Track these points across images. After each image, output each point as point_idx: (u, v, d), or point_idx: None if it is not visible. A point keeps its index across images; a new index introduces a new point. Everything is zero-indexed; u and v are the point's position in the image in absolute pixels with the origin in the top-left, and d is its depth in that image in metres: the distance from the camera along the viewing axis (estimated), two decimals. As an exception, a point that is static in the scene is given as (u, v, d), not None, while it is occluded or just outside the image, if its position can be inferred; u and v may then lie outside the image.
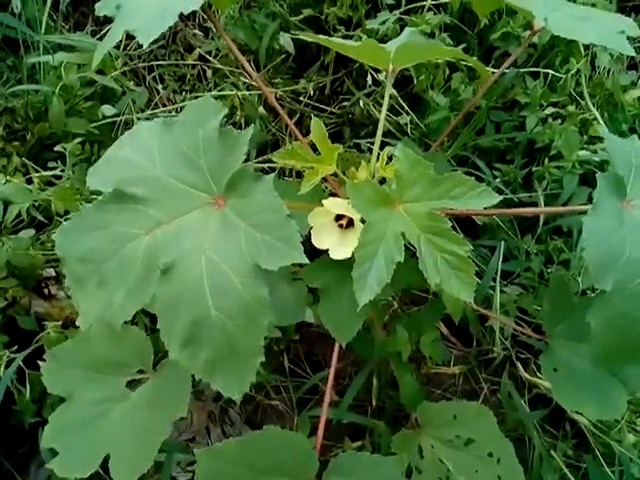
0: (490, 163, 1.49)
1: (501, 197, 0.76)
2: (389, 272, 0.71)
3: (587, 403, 0.84)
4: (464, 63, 1.44)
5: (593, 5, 1.32)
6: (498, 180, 1.44)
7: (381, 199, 0.76)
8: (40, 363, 0.88)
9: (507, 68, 1.29)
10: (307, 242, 1.01)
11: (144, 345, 0.88)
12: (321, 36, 0.80)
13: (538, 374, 1.23)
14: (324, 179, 0.96)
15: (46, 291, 1.30)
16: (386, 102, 0.88)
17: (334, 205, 0.82)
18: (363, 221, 0.79)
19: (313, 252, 0.95)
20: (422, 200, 0.76)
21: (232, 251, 0.61)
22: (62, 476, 0.81)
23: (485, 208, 0.72)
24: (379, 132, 0.90)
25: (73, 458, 0.82)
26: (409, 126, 1.41)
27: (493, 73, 1.38)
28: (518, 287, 1.39)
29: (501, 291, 1.35)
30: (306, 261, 0.60)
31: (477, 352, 1.31)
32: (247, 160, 0.67)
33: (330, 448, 1.16)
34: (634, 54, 0.83)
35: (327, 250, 0.86)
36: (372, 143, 1.47)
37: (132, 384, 0.86)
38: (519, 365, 1.19)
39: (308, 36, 0.81)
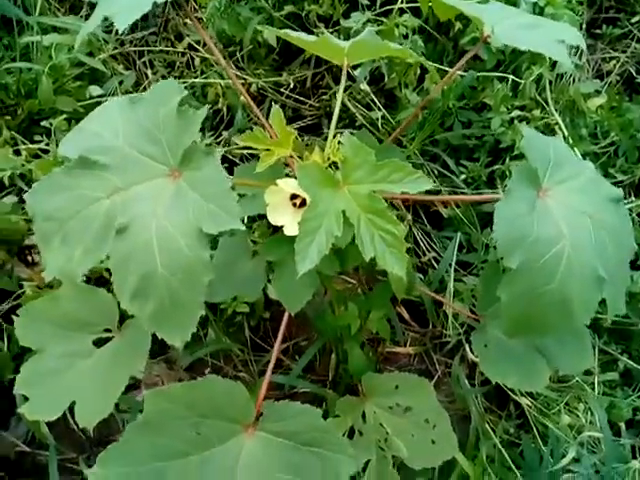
0: (459, 160, 1.58)
1: (433, 184, 0.84)
2: (328, 245, 0.79)
3: (511, 374, 0.93)
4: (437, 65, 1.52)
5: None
6: (463, 176, 1.52)
7: (327, 180, 0.84)
8: (14, 317, 0.96)
9: (464, 70, 1.37)
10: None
11: (110, 306, 0.95)
12: (282, 31, 0.87)
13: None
14: (286, 164, 1.05)
15: (29, 258, 1.38)
16: (340, 95, 0.96)
17: (287, 185, 0.90)
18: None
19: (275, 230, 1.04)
20: (364, 183, 0.84)
21: (181, 217, 0.69)
22: (31, 419, 0.89)
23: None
24: (334, 121, 0.99)
25: (41, 403, 0.90)
26: (380, 121, 1.49)
27: (462, 76, 1.46)
28: (476, 277, 1.47)
29: (459, 280, 1.44)
30: (242, 228, 0.68)
31: (432, 335, 1.40)
32: (203, 135, 0.74)
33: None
34: (569, 63, 0.91)
35: (282, 227, 0.94)
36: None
37: (99, 342, 0.94)
38: (467, 348, 1.27)
39: (266, 29, 0.88)
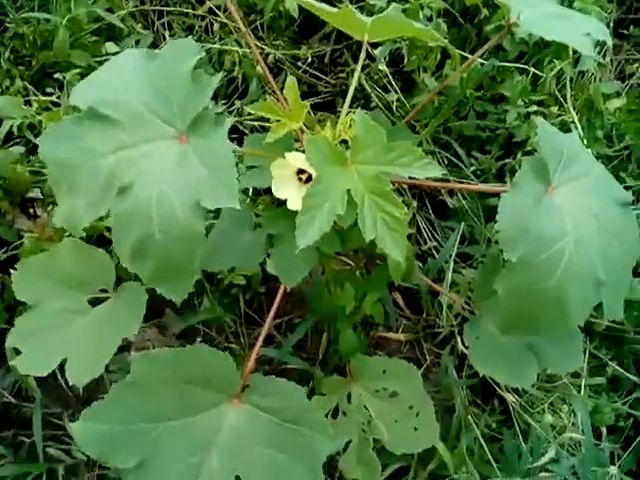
0: (470, 151, 1.56)
1: (443, 171, 0.83)
2: (329, 223, 0.79)
3: (500, 369, 0.93)
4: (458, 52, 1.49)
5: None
6: (473, 168, 1.51)
7: (335, 157, 0.83)
8: (11, 271, 0.96)
9: (484, 58, 1.35)
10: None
11: (108, 267, 0.95)
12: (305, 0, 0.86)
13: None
14: (296, 140, 1.04)
15: (31, 211, 1.38)
16: (357, 72, 0.94)
17: (295, 159, 0.89)
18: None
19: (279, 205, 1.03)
20: (372, 163, 0.83)
21: (182, 185, 0.69)
22: (23, 373, 0.90)
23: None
24: (348, 98, 0.98)
25: (34, 358, 0.90)
26: (395, 104, 1.47)
27: (482, 64, 1.44)
28: (474, 270, 1.47)
29: (458, 272, 1.43)
30: (238, 207, 0.67)
31: (425, 324, 1.40)
32: (216, 103, 0.73)
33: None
34: (593, 59, 0.89)
35: (286, 201, 0.93)
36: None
37: (94, 302, 0.94)
38: (459, 339, 1.27)
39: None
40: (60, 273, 0.95)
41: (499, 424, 1.31)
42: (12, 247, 1.23)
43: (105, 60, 1.40)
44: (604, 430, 1.30)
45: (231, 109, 1.58)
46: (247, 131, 1.56)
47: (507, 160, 1.48)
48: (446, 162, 1.56)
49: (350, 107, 1.60)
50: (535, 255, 0.71)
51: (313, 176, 0.90)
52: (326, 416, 1.00)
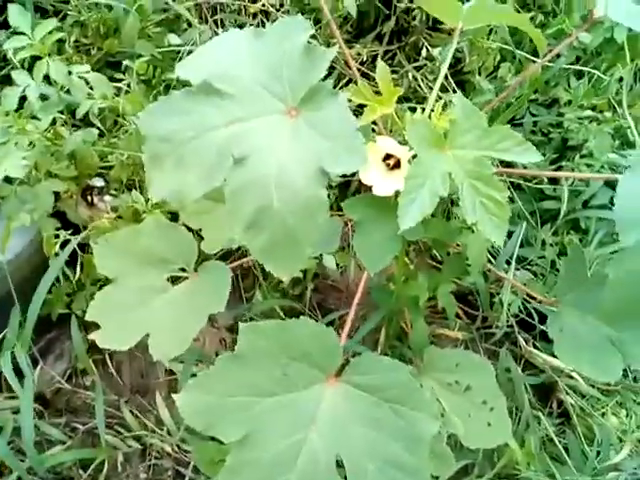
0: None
1: (543, 157, 0.83)
2: (432, 204, 0.78)
3: (585, 363, 0.91)
4: (513, 55, 1.50)
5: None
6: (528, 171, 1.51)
7: (434, 140, 0.83)
8: (92, 244, 0.95)
9: (551, 61, 1.35)
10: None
11: (190, 246, 0.94)
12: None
13: (535, 351, 1.30)
14: (373, 122, 1.04)
15: (89, 199, 1.38)
16: (448, 59, 0.94)
17: (385, 143, 0.89)
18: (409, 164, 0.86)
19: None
20: (471, 148, 0.83)
21: (300, 154, 0.68)
22: (103, 346, 0.88)
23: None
24: (437, 84, 0.97)
25: (114, 332, 0.89)
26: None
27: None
28: (529, 273, 1.46)
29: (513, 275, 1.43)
30: (364, 167, 0.67)
31: (481, 324, 1.39)
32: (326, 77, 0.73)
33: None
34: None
35: (371, 187, 0.93)
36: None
37: (173, 281, 0.94)
38: (520, 338, 1.26)
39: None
40: (140, 249, 0.94)
41: (559, 426, 1.30)
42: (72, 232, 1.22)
43: (167, 52, 1.41)
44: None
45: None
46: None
47: (565, 163, 1.48)
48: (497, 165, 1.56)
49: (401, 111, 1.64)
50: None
51: (402, 161, 0.90)
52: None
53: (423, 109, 0.93)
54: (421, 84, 1.53)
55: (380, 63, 0.90)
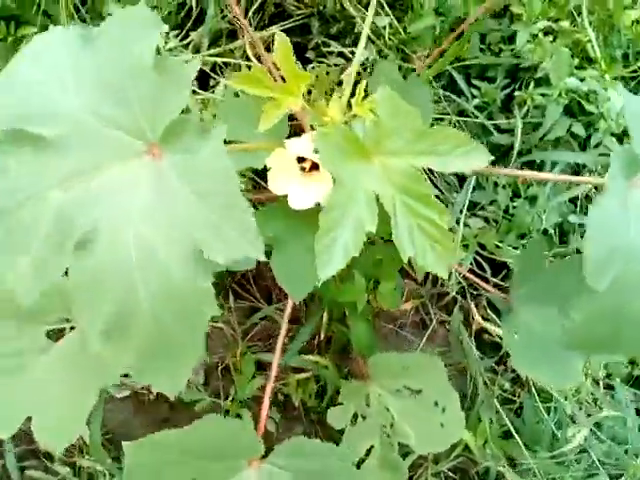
0: (469, 78, 1.36)
1: (491, 157, 0.65)
2: (357, 242, 0.61)
3: (543, 369, 0.82)
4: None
5: None
6: (477, 100, 1.31)
7: (354, 150, 0.63)
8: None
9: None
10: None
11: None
12: None
13: (486, 313, 1.22)
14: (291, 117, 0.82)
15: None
16: None
17: (295, 147, 0.69)
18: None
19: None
20: (402, 154, 0.64)
21: (169, 225, 0.48)
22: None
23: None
24: (359, 51, 0.76)
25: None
26: (387, 30, 1.23)
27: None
28: (481, 220, 1.33)
29: (466, 225, 1.29)
30: (262, 258, 0.49)
31: (431, 286, 1.28)
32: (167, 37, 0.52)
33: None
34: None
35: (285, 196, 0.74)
36: (344, 46, 1.29)
37: (54, 335, 0.76)
38: (472, 307, 1.16)
39: None
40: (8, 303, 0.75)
41: (511, 383, 1.25)
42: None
43: None
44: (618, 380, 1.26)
45: (186, 42, 1.30)
46: (208, 70, 1.29)
47: (517, 92, 1.28)
48: (440, 94, 1.35)
49: (327, 35, 1.37)
50: (626, 275, 0.56)
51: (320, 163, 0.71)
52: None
53: (340, 97, 0.71)
54: (349, 6, 1.25)
55: (279, 34, 0.67)
